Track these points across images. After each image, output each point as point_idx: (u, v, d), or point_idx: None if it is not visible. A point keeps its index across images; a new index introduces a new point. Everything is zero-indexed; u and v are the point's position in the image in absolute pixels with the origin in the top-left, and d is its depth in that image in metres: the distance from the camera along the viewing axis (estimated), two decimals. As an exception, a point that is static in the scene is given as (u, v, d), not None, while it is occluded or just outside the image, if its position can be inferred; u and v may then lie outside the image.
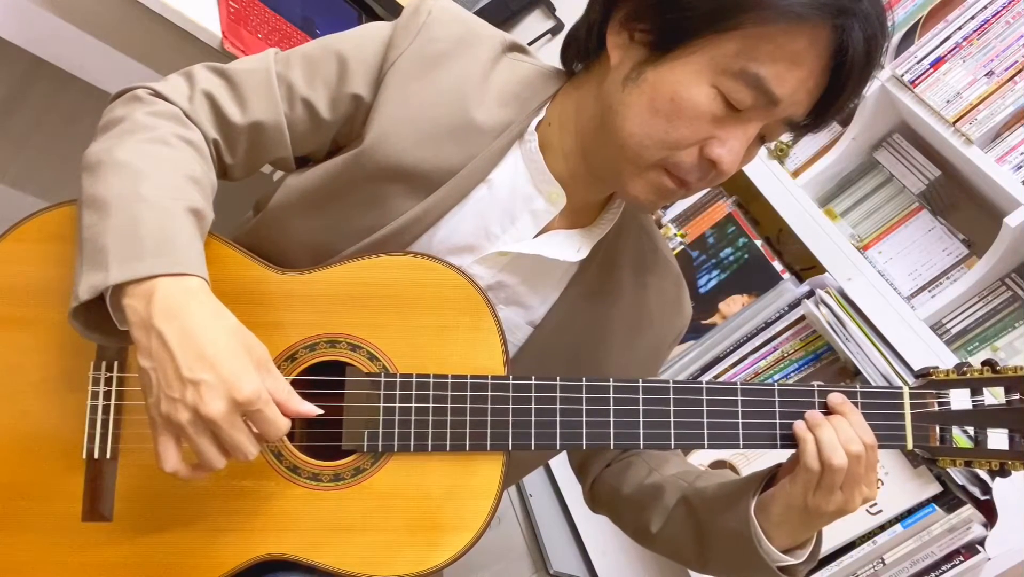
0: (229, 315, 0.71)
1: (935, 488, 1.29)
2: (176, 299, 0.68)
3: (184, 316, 0.68)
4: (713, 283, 1.68)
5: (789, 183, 1.58)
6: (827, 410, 0.81)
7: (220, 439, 0.69)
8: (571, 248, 0.88)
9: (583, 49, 0.86)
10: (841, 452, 0.77)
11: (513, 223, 0.87)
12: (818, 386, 0.81)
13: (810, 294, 1.52)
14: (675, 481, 0.96)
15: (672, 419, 0.81)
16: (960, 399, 0.81)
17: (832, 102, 0.78)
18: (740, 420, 0.81)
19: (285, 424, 0.71)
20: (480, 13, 2.10)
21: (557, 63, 0.91)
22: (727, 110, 0.76)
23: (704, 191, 1.45)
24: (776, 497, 0.83)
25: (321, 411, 0.75)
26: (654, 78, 0.77)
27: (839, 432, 0.78)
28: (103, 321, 0.72)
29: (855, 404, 0.81)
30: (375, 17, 1.93)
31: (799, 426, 0.80)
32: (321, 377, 0.81)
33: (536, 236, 0.88)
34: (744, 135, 0.77)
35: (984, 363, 0.80)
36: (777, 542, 0.83)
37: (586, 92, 0.85)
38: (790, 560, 0.83)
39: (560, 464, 1.89)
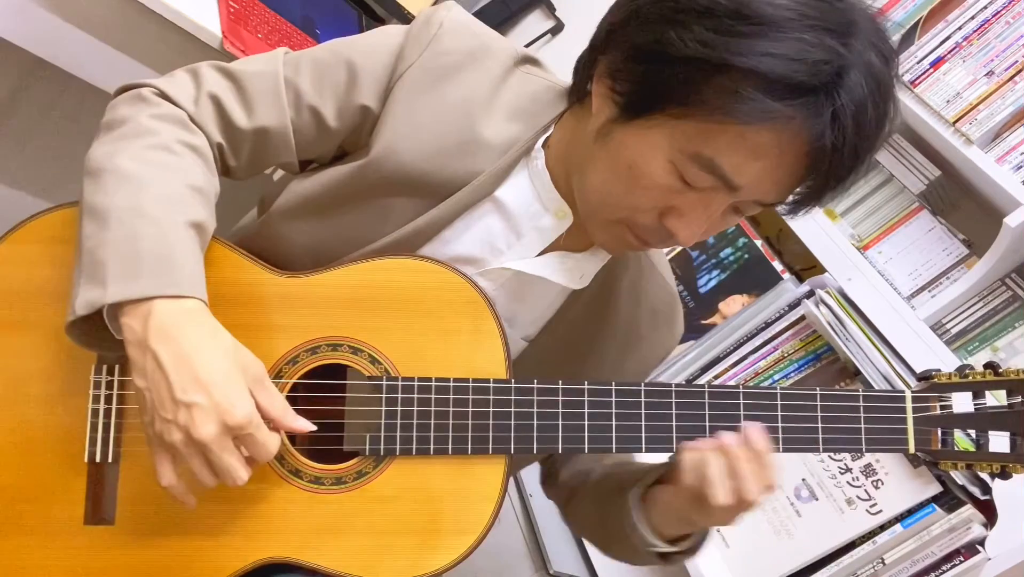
0: (225, 336, 0.72)
1: (935, 488, 1.29)
2: (172, 321, 0.69)
3: (179, 338, 0.68)
4: (713, 283, 1.68)
5: (789, 183, 1.58)
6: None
7: (210, 461, 0.69)
8: (575, 275, 0.87)
9: (578, 84, 0.84)
10: (724, 493, 0.75)
11: (519, 239, 0.86)
12: (820, 390, 0.81)
13: (810, 294, 1.52)
14: (599, 466, 0.99)
15: (674, 423, 0.81)
16: (962, 402, 0.81)
17: (818, 190, 0.74)
18: (742, 424, 0.81)
19: (274, 447, 0.72)
20: (480, 13, 2.10)
21: (560, 66, 0.90)
22: (684, 186, 0.73)
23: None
24: (660, 498, 0.85)
25: (315, 427, 0.76)
26: (619, 139, 0.75)
27: (741, 478, 0.76)
28: (100, 329, 0.72)
29: (857, 407, 0.81)
30: (375, 17, 1.92)
31: (690, 447, 0.79)
32: (323, 381, 0.81)
33: (540, 254, 0.87)
34: (705, 213, 0.74)
35: (986, 366, 0.80)
36: (667, 530, 0.85)
37: (580, 126, 0.82)
38: (665, 548, 0.84)
39: (560, 464, 1.89)
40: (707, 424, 0.81)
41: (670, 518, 0.84)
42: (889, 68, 0.71)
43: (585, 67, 0.81)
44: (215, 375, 0.68)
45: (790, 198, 0.76)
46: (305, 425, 0.75)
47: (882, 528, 1.31)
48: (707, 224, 0.76)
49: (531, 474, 1.96)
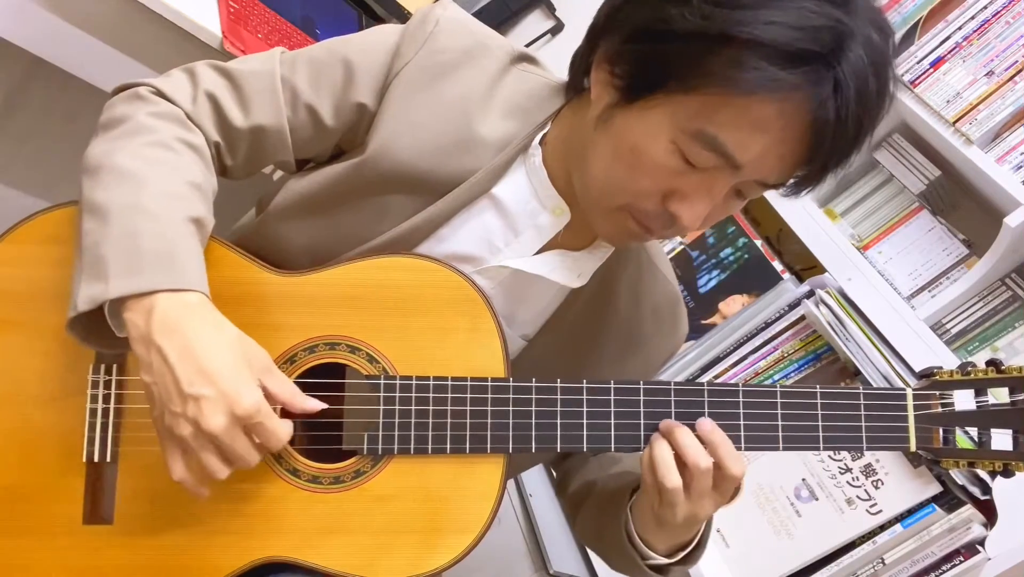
0: (229, 327, 0.72)
1: (935, 488, 1.29)
2: (176, 314, 0.69)
3: (183, 331, 0.68)
4: (713, 283, 1.68)
5: (789, 183, 1.58)
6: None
7: (222, 451, 0.69)
8: (572, 273, 0.87)
9: (576, 75, 0.83)
10: (674, 475, 0.76)
11: (517, 237, 0.86)
12: (820, 388, 0.81)
13: (810, 294, 1.52)
14: (603, 476, 0.99)
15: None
16: (964, 399, 0.81)
17: (820, 166, 0.72)
18: (742, 421, 0.81)
19: (285, 434, 0.72)
20: (480, 13, 2.10)
21: (560, 66, 0.90)
22: (688, 166, 0.72)
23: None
24: (638, 504, 0.85)
25: (325, 405, 0.77)
26: (621, 124, 0.74)
27: (685, 449, 0.77)
28: (101, 327, 0.72)
29: (857, 405, 0.80)
30: (375, 17, 1.92)
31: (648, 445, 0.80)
32: (321, 380, 0.80)
33: (538, 252, 0.86)
34: (709, 194, 0.73)
35: (988, 363, 0.80)
36: (656, 542, 0.84)
37: (578, 119, 0.82)
38: (658, 559, 0.84)
39: (560, 464, 1.89)
40: (706, 422, 0.80)
41: (649, 523, 0.83)
42: (887, 42, 0.71)
43: (582, 58, 0.81)
44: (221, 366, 0.68)
45: (791, 180, 0.75)
46: (316, 404, 0.76)
47: (882, 528, 1.31)
48: (710, 206, 0.74)
49: (531, 474, 1.96)
